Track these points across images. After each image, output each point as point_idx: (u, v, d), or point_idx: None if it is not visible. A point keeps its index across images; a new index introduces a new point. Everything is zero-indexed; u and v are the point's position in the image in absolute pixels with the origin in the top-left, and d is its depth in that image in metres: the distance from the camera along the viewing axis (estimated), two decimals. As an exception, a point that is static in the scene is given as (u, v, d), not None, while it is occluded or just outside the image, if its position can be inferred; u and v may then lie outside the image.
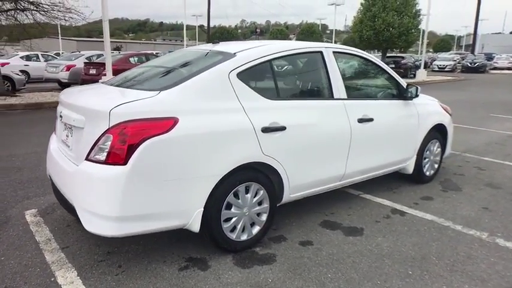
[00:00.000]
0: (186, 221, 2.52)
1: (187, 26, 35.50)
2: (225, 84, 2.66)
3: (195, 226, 2.55)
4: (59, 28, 35.61)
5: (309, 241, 3.05)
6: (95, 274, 2.54)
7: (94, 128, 2.36)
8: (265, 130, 2.74)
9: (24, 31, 10.96)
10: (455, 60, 33.59)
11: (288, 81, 3.35)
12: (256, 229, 2.90)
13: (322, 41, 55.13)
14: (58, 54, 23.87)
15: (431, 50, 78.05)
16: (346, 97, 3.37)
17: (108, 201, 2.25)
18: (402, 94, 3.95)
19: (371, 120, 3.50)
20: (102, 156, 2.28)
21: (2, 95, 10.52)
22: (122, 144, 2.24)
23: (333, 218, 3.50)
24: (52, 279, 2.48)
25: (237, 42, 3.39)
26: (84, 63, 13.87)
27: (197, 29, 49.61)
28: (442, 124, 4.44)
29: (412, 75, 22.49)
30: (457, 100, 13.21)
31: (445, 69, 31.44)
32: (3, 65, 16.22)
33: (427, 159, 4.38)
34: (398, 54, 25.28)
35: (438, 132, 4.46)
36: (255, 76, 2.90)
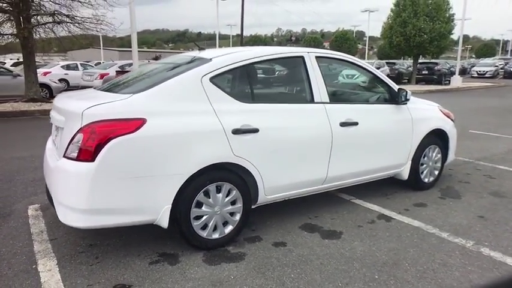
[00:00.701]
0: (154, 217, 2.65)
1: (223, 35, 36.31)
2: (196, 88, 2.79)
3: (164, 222, 2.68)
4: (101, 39, 37.69)
5: (283, 242, 3.08)
6: (73, 264, 2.74)
7: (71, 128, 2.57)
8: (236, 132, 2.84)
9: (60, 43, 11.75)
10: (497, 66, 31.89)
11: (265, 85, 3.43)
12: (229, 228, 2.98)
13: (357, 48, 54.36)
14: (99, 64, 25.28)
15: (473, 56, 74.50)
16: (328, 101, 3.39)
17: (77, 195, 2.44)
18: (394, 98, 3.90)
19: (355, 124, 3.49)
20: (75, 153, 2.47)
21: (39, 101, 11.31)
22: (91, 142, 2.42)
23: (315, 221, 3.51)
24: (34, 266, 2.70)
25: (222, 48, 3.52)
26: (116, 71, 14.66)
27: (231, 38, 50.60)
28: (441, 129, 4.31)
29: (447, 82, 21.64)
30: (489, 107, 12.59)
31: (485, 75, 29.91)
32: (45, 74, 17.47)
33: (424, 165, 4.26)
34: (432, 60, 24.41)
35: (438, 137, 4.34)
36: (229, 80, 3.01)
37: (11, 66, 18.57)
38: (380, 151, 3.78)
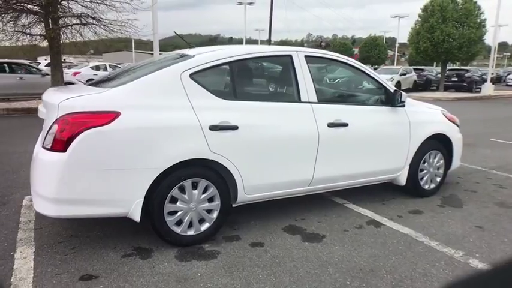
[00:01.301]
0: (126, 210, 2.66)
1: (253, 40, 36.70)
2: (175, 83, 2.79)
3: (136, 216, 2.69)
4: (133, 42, 39.05)
5: (260, 243, 3.02)
6: (49, 253, 2.79)
7: (49, 119, 2.64)
8: (214, 128, 2.81)
9: (85, 45, 12.20)
10: (536, 74, 30.24)
11: (249, 82, 3.38)
12: (205, 225, 2.95)
13: (387, 54, 53.12)
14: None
15: (512, 64, 71.13)
16: (316, 101, 3.30)
17: (48, 184, 2.50)
18: (390, 101, 3.75)
19: (345, 125, 3.39)
20: (50, 144, 2.54)
21: (63, 99, 11.78)
22: (64, 133, 2.47)
23: (301, 223, 3.42)
24: (12, 253, 2.78)
25: (210, 47, 3.52)
26: (140, 73, 15.03)
27: (259, 43, 50.88)
28: (443, 134, 4.10)
29: (478, 90, 20.73)
30: (519, 116, 11.92)
31: (522, 84, 28.46)
32: (75, 74, 18.23)
33: (425, 171, 4.07)
34: (462, 67, 23.46)
35: (440, 143, 4.13)
36: (210, 77, 2.99)
37: (45, 66, 19.45)
38: (373, 154, 3.64)
